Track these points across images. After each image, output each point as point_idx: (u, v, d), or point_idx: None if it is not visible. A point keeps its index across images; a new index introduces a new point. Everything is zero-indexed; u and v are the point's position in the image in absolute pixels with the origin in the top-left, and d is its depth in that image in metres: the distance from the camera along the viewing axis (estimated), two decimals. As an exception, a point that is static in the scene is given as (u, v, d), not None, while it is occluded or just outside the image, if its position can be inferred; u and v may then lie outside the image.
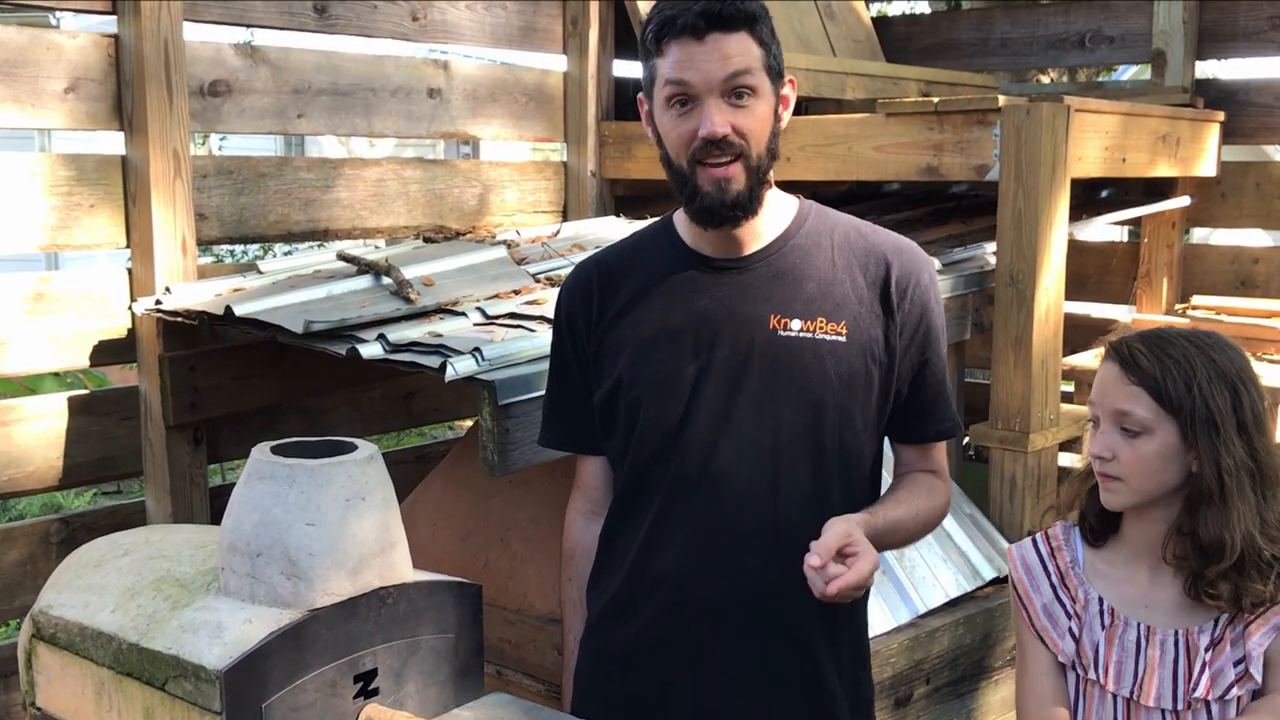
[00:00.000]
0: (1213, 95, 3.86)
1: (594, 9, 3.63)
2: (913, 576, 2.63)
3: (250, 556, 1.57)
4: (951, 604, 2.68)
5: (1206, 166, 3.71)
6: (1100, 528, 1.75)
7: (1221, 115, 3.74)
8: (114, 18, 2.72)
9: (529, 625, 2.50)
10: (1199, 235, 5.55)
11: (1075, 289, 4.29)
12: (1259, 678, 1.62)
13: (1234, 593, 1.62)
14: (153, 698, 1.55)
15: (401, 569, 1.67)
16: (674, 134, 1.66)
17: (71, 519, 2.79)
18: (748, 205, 1.67)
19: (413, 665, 1.66)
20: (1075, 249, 4.33)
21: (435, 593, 1.69)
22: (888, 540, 1.71)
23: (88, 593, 1.71)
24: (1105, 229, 5.09)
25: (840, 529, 1.55)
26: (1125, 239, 4.11)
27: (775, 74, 1.67)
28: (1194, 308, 3.93)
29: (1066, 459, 3.30)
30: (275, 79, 3.00)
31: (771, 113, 1.67)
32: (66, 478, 2.76)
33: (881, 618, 2.51)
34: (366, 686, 1.60)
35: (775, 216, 1.76)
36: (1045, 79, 6.50)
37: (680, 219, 1.80)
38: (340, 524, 1.57)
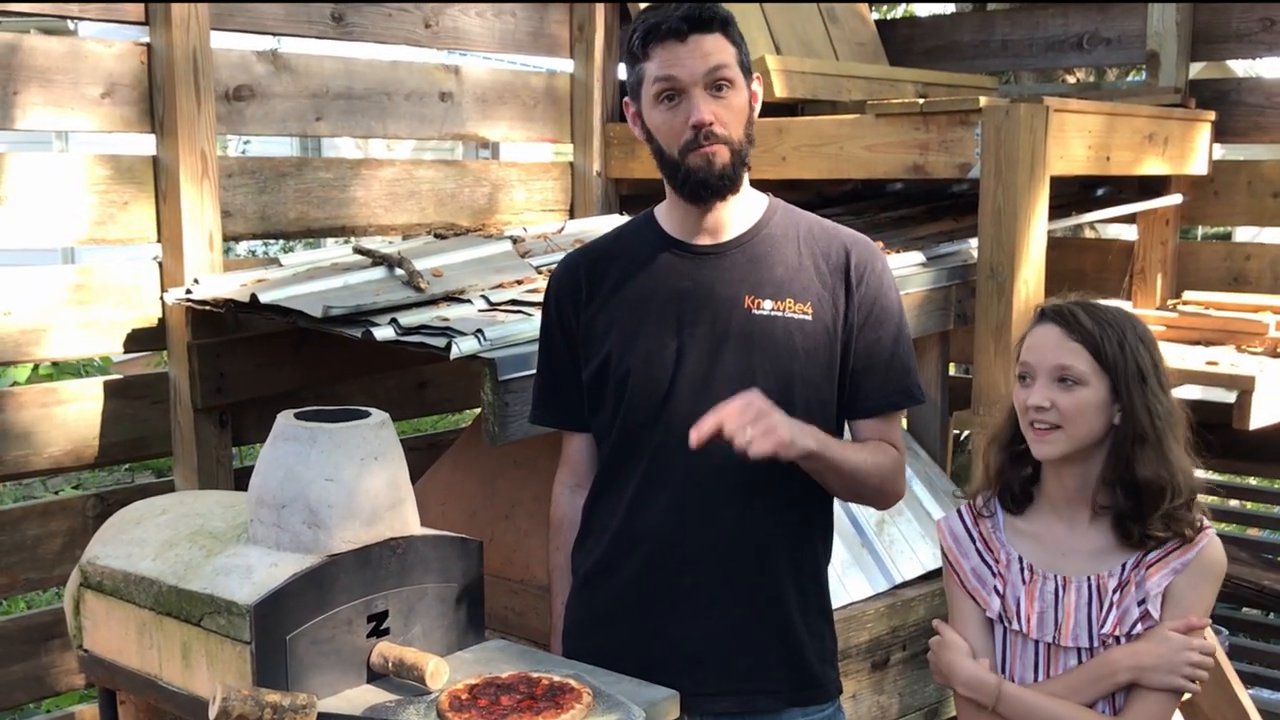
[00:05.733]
0: (1206, 95, 3.97)
1: (599, 15, 3.79)
2: (891, 550, 2.79)
3: (276, 508, 1.75)
4: (927, 576, 2.85)
5: (1198, 165, 3.81)
6: (1022, 494, 1.96)
7: (1212, 115, 3.84)
8: (145, 27, 2.91)
9: (531, 594, 2.67)
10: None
11: (1072, 285, 4.38)
12: (1157, 615, 1.83)
13: (1166, 527, 1.83)
14: (190, 633, 1.73)
15: (410, 523, 1.84)
16: (665, 127, 1.86)
17: (106, 495, 2.97)
18: (733, 178, 1.88)
19: (420, 610, 1.83)
20: (1073, 246, 4.45)
21: (440, 546, 1.86)
22: (838, 461, 1.84)
23: (130, 545, 1.89)
24: (1115, 226, 5.19)
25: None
26: (1136, 237, 4.21)
27: (746, 70, 1.90)
28: (1185, 303, 4.06)
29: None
30: (295, 84, 3.18)
31: (746, 103, 1.89)
32: (102, 457, 2.94)
33: (860, 586, 2.67)
34: (379, 626, 1.78)
35: (748, 210, 1.96)
36: (1072, 79, 6.55)
37: (662, 212, 1.99)
38: (356, 480, 1.75)
